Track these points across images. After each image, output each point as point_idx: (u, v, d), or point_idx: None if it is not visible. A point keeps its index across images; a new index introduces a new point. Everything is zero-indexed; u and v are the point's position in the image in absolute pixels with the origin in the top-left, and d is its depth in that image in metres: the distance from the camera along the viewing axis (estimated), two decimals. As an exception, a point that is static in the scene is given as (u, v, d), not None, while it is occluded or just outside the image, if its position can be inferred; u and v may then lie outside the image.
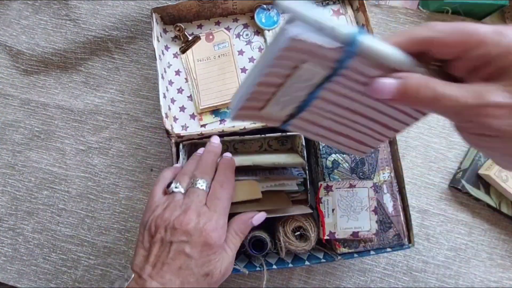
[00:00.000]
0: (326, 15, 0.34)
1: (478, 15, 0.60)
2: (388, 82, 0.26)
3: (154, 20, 0.50)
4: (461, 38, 0.25)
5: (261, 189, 0.44)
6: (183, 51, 0.53)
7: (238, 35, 0.54)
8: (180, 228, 0.36)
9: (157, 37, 0.50)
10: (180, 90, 0.53)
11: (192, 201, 0.37)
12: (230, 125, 0.51)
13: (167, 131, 0.47)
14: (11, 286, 0.59)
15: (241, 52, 0.54)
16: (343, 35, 0.24)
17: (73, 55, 0.62)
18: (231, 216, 0.40)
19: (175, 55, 0.54)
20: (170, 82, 0.53)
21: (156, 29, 0.50)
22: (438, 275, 0.58)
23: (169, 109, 0.51)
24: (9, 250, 0.60)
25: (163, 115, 0.46)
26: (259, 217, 0.41)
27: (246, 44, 0.54)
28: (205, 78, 0.53)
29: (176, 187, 0.39)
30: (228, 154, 0.44)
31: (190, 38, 0.53)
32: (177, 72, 0.54)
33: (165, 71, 0.52)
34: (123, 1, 0.61)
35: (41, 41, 0.61)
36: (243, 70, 0.53)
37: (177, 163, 0.47)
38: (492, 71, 0.25)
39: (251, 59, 0.54)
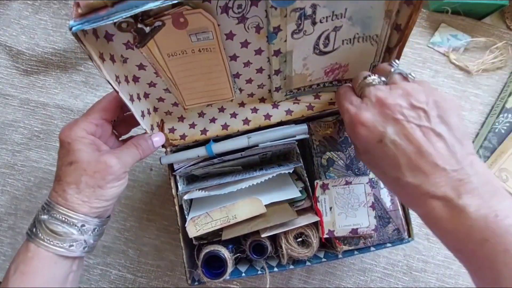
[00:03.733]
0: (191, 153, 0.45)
1: (478, 15, 0.60)
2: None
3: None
4: None
5: (264, 203, 0.43)
6: (141, 46, 0.33)
7: (225, 9, 0.32)
8: None
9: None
10: (152, 84, 0.40)
11: None
12: (219, 123, 0.47)
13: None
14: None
15: (230, 36, 0.35)
16: (203, 151, 0.45)
17: (73, 55, 0.62)
18: (236, 239, 0.45)
19: (128, 46, 0.35)
20: (135, 79, 0.39)
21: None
22: (438, 275, 0.58)
23: (148, 112, 0.43)
24: (9, 249, 0.60)
25: (139, 119, 0.39)
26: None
27: (238, 23, 0.34)
28: (184, 76, 0.39)
29: None
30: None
31: (147, 30, 0.31)
32: (141, 67, 0.38)
33: (117, 78, 0.35)
34: (123, 1, 0.61)
35: (41, 41, 0.62)
36: (233, 57, 0.38)
37: (178, 168, 0.46)
38: None
39: (244, 44, 0.36)
